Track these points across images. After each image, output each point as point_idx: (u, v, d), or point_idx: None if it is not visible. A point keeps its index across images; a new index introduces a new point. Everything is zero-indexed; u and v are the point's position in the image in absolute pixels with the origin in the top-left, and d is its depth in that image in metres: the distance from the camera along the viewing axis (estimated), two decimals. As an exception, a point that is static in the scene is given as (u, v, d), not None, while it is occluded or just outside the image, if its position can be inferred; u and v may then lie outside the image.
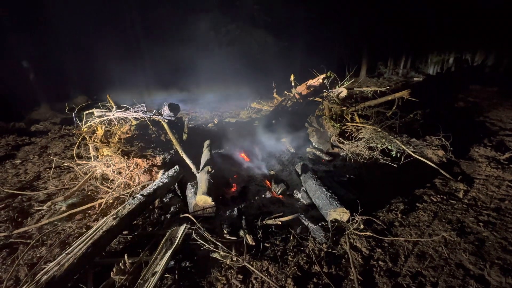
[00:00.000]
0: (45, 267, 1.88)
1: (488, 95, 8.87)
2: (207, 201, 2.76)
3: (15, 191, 3.56)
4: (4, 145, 5.67)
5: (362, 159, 4.22)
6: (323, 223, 2.72)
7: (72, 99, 10.08)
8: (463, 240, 2.47)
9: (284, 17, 13.25)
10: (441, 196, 3.24)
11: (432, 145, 4.39)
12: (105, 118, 3.35)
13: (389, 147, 4.17)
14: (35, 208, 3.20)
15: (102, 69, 10.41)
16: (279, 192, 3.42)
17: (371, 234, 2.52)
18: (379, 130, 4.38)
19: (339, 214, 2.66)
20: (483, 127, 5.89)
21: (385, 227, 2.70)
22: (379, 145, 4.22)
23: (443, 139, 4.31)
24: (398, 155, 4.05)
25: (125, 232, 2.60)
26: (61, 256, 1.95)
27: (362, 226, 2.59)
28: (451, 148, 4.19)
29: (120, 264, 2.07)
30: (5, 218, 2.99)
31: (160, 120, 3.50)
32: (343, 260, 2.28)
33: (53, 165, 4.24)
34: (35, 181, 3.97)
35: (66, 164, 4.23)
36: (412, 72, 15.10)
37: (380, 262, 2.24)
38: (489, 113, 6.86)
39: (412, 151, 4.03)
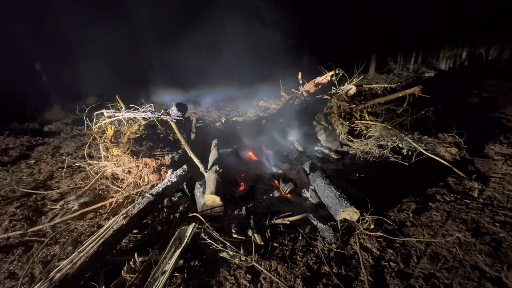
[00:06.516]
0: (58, 265, 1.92)
1: (504, 90, 8.55)
2: (215, 200, 2.77)
3: (29, 190, 3.67)
4: (19, 145, 5.84)
5: (372, 158, 4.14)
6: (332, 222, 2.69)
7: (83, 100, 10.31)
8: (478, 241, 2.39)
9: (291, 14, 13.12)
10: (455, 195, 3.15)
11: (445, 142, 4.26)
12: (114, 118, 3.40)
13: (400, 145, 4.08)
14: (49, 207, 3.29)
15: (111, 70, 10.57)
16: (287, 191, 3.40)
17: (382, 234, 2.47)
18: (390, 127, 4.29)
19: (349, 213, 2.62)
20: (498, 124, 5.69)
21: (396, 227, 2.64)
22: (389, 143, 4.13)
23: (457, 136, 4.18)
24: (409, 153, 3.96)
25: (135, 231, 2.64)
26: (74, 254, 1.99)
27: (372, 226, 2.54)
28: (465, 146, 4.06)
29: (131, 263, 2.10)
30: (21, 217, 3.08)
31: (168, 120, 3.52)
32: (353, 260, 2.24)
33: (66, 165, 4.35)
34: (48, 181, 4.08)
35: (77, 164, 4.33)
36: (423, 68, 14.72)
37: (391, 263, 2.20)
38: (505, 109, 6.61)
39: (424, 149, 3.93)
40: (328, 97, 5.59)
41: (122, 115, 3.32)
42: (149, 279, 1.91)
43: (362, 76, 5.68)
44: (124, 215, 2.39)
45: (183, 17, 11.93)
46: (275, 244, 2.43)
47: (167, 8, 11.39)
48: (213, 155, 3.78)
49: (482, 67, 12.56)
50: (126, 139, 3.44)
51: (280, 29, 12.97)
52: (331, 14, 14.84)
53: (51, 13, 9.55)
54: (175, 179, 3.13)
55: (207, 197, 2.78)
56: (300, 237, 2.50)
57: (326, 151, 4.67)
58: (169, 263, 2.04)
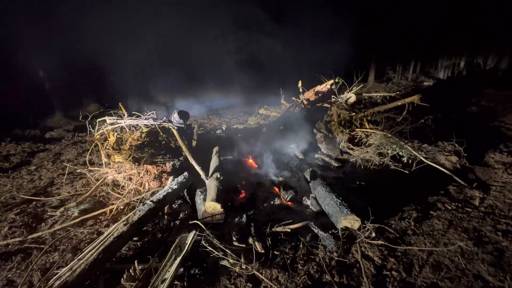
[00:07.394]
0: (57, 273, 1.91)
1: (503, 99, 8.64)
2: (216, 207, 2.76)
3: (30, 197, 3.66)
4: (20, 151, 5.86)
5: (372, 165, 4.15)
6: (333, 230, 2.68)
7: (85, 107, 10.38)
8: (480, 250, 2.38)
9: (292, 24, 13.36)
10: (456, 203, 3.14)
11: (445, 150, 4.28)
12: (117, 125, 3.43)
13: (400, 153, 4.10)
14: (49, 213, 3.28)
15: (114, 77, 10.69)
16: (288, 199, 3.39)
17: (383, 242, 2.46)
18: (390, 135, 4.31)
19: (350, 221, 2.61)
20: (498, 132, 5.71)
21: (397, 235, 2.63)
22: (389, 151, 4.15)
23: (456, 145, 4.20)
24: (410, 161, 3.97)
25: (135, 238, 2.62)
26: (73, 261, 1.98)
27: (373, 234, 2.52)
28: (465, 154, 4.08)
29: (131, 271, 2.08)
30: (20, 223, 3.06)
31: (170, 127, 3.55)
32: (355, 269, 2.22)
33: (66, 172, 4.35)
34: (49, 187, 4.07)
35: (78, 171, 4.34)
36: (421, 77, 14.89)
37: (393, 272, 2.18)
38: (504, 118, 6.66)
39: (424, 157, 3.94)
40: (328, 105, 5.64)
41: (124, 122, 3.35)
42: (149, 287, 1.90)
43: (362, 85, 5.73)
44: (124, 222, 2.39)
45: (186, 26, 12.15)
46: (276, 252, 2.42)
47: (169, 17, 11.61)
48: (214, 162, 3.79)
49: (480, 76, 12.70)
50: (128, 146, 3.46)
51: (280, 39, 13.20)
52: (330, 22, 15.09)
53: (55, 19, 9.68)
54: (176, 186, 3.14)
55: (208, 204, 2.78)
56: (301, 245, 2.49)
57: (327, 159, 4.68)
58: (169, 271, 2.02)
